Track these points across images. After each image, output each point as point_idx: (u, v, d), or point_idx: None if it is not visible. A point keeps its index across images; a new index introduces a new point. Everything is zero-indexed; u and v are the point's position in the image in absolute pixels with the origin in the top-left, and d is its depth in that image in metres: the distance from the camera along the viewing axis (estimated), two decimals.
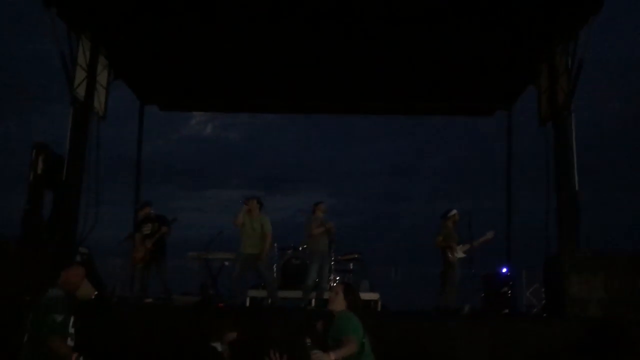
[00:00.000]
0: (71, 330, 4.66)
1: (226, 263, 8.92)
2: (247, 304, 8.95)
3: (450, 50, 9.86)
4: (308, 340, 4.17)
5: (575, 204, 8.64)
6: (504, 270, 9.68)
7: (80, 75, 9.27)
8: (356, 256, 10.51)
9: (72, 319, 4.68)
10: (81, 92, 9.30)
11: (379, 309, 8.96)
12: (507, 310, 8.99)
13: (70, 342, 4.62)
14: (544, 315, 8.93)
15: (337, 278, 10.08)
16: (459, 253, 8.93)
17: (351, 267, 10.61)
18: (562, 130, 8.99)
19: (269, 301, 9.03)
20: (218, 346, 4.62)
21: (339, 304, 4.36)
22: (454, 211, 9.27)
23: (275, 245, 10.29)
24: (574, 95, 8.83)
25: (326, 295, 8.77)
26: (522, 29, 9.15)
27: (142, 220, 9.14)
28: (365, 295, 9.14)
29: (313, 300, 9.25)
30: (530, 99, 10.51)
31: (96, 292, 7.91)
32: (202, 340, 4.71)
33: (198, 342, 4.70)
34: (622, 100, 31.15)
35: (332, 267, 10.19)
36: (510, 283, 9.56)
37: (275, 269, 10.16)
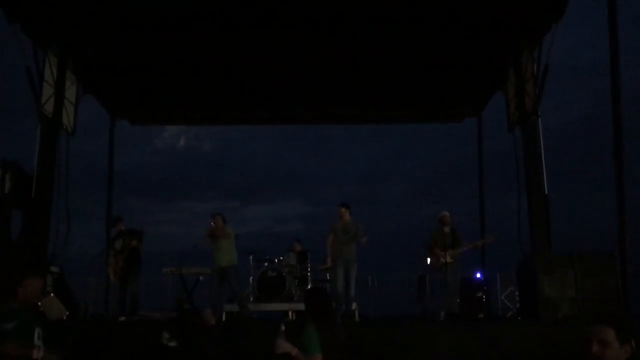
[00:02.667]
0: (38, 342, 4.50)
1: (201, 278, 8.85)
2: (224, 318, 8.86)
3: (417, 59, 10.02)
4: (282, 327, 4.24)
5: (546, 206, 8.83)
6: (478, 275, 9.78)
7: (48, 91, 9.14)
8: (332, 266, 10.50)
9: (37, 331, 4.54)
10: (49, 108, 9.17)
11: (356, 318, 8.94)
12: (482, 315, 9.08)
13: (39, 354, 4.49)
14: (519, 317, 9.06)
15: None
16: (447, 258, 8.71)
17: (328, 277, 10.60)
18: (531, 134, 9.20)
19: (241, 314, 8.95)
20: (164, 338, 4.54)
21: (306, 312, 4.41)
22: (442, 213, 9.15)
23: (251, 257, 10.25)
24: (541, 100, 9.05)
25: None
26: (488, 37, 9.33)
27: (115, 236, 9.05)
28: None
29: (291, 313, 9.21)
30: (501, 104, 10.69)
31: (67, 312, 7.78)
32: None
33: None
34: (588, 101, 31.96)
35: (310, 277, 10.18)
36: (485, 287, 9.66)
37: (251, 280, 10.11)
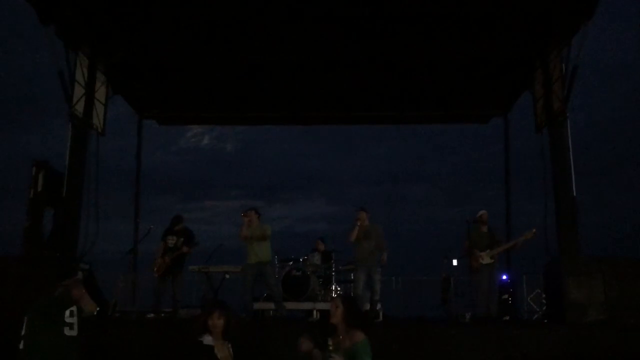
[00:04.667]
0: (70, 319, 4.72)
1: (227, 276, 8.93)
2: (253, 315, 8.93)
3: (444, 59, 9.95)
4: (330, 343, 4.27)
5: (574, 208, 8.71)
6: (504, 277, 9.67)
7: (78, 91, 9.33)
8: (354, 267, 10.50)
9: (69, 309, 4.74)
10: (80, 108, 9.36)
11: (380, 318, 8.94)
12: (507, 317, 9.00)
13: (69, 332, 4.68)
14: (545, 321, 8.96)
15: (339, 289, 10.09)
16: (485, 259, 8.48)
17: (352, 277, 10.60)
18: (558, 135, 9.07)
19: (272, 312, 9.03)
20: (205, 339, 4.58)
21: (339, 317, 4.37)
22: (481, 212, 8.82)
23: (275, 257, 10.29)
24: (569, 101, 8.92)
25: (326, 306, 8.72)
26: (516, 37, 9.24)
27: (169, 230, 9.17)
28: (367, 306, 9.13)
29: (315, 312, 9.25)
30: (528, 104, 10.57)
31: (98, 309, 7.92)
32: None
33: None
34: (616, 102, 31.38)
35: (334, 277, 10.18)
36: (511, 290, 9.57)
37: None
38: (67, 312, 4.74)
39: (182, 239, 8.97)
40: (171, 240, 9.02)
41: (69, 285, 4.98)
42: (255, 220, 8.69)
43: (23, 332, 4.65)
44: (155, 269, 8.99)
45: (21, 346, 4.63)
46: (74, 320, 4.76)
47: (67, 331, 4.68)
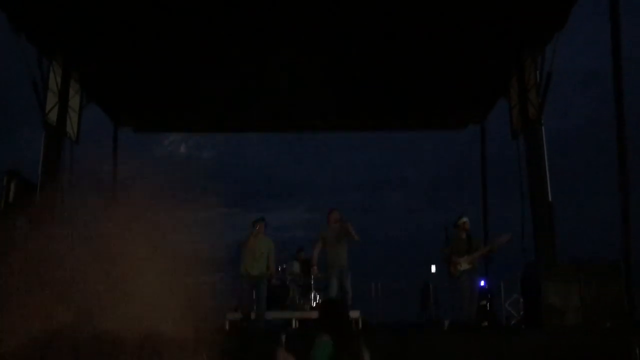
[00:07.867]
0: None
1: None
2: (227, 326, 8.79)
3: (419, 66, 10.03)
4: (283, 337, 4.27)
5: (550, 213, 8.81)
6: (482, 283, 9.72)
7: (52, 100, 9.17)
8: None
9: None
10: (53, 117, 9.19)
11: (360, 326, 8.89)
12: (486, 323, 9.03)
13: None
14: (523, 326, 9.02)
15: (318, 297, 10.03)
16: (463, 265, 8.35)
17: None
18: (534, 142, 9.20)
19: (249, 323, 8.88)
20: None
21: (320, 323, 4.35)
22: (463, 219, 8.66)
23: None
24: (544, 107, 9.05)
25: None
26: (491, 45, 9.36)
27: None
28: None
29: (294, 321, 9.17)
30: (505, 112, 10.68)
31: None
32: None
33: None
34: (590, 107, 31.98)
35: (313, 285, 10.12)
36: (489, 295, 9.61)
37: None
38: None
39: None
40: None
41: None
42: (262, 231, 8.55)
43: None
44: None
45: None
46: None
47: None
